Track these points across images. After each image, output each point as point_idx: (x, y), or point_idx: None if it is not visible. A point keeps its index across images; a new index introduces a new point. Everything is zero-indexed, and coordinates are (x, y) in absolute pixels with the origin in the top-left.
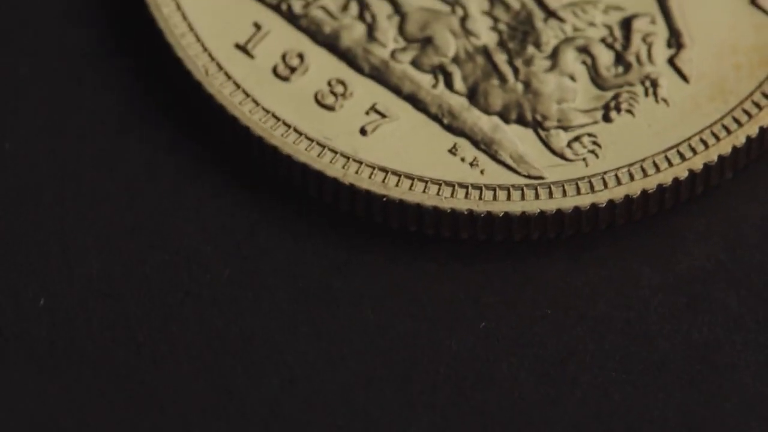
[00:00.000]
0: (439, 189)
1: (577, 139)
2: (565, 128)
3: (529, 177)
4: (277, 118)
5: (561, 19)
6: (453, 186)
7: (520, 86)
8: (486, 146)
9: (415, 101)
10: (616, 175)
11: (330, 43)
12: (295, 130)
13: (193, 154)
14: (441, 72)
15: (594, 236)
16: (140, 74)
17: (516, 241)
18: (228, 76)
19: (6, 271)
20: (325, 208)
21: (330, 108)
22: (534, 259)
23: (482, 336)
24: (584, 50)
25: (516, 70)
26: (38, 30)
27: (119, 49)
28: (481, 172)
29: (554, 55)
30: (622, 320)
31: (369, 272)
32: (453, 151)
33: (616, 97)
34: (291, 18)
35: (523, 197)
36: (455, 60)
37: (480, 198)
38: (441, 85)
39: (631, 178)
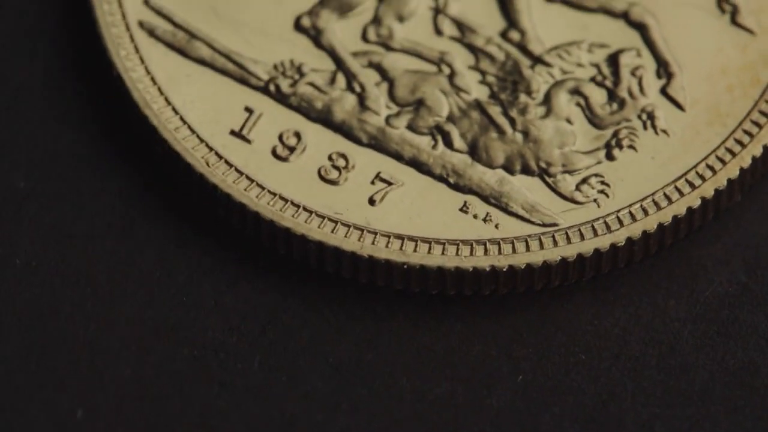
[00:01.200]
0: (457, 249)
1: (584, 181)
2: (571, 172)
3: (544, 225)
4: (285, 200)
5: (548, 64)
6: (471, 244)
7: (519, 136)
8: (496, 200)
9: (418, 165)
10: (630, 213)
11: (324, 118)
12: (305, 209)
13: (204, 245)
14: (438, 132)
15: (614, 275)
16: (139, 172)
17: (537, 290)
18: (229, 164)
19: (39, 387)
20: (345, 282)
21: (335, 182)
22: (559, 305)
23: (520, 389)
24: (576, 92)
25: (512, 121)
26: (31, 139)
27: (115, 150)
28: (496, 226)
29: (547, 101)
30: (656, 356)
31: (398, 340)
32: (464, 209)
33: (615, 134)
34: (281, 98)
35: (541, 246)
36: (450, 118)
37: (499, 253)
38: (440, 145)
39: (645, 213)
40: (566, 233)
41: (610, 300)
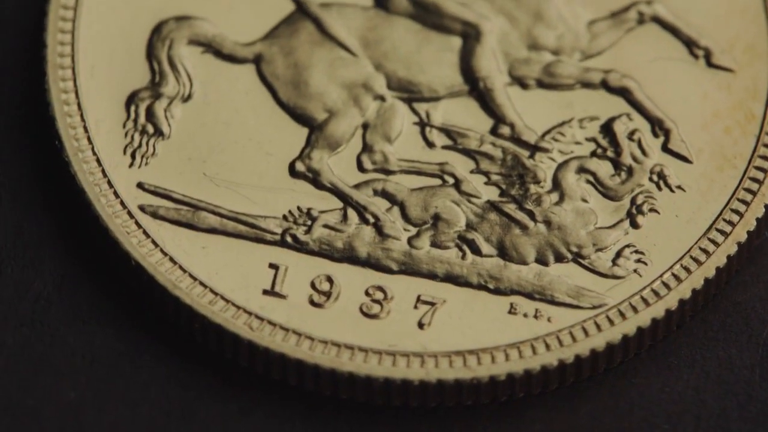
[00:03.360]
0: (519, 352)
1: (618, 255)
2: (602, 249)
3: (594, 307)
4: (338, 344)
5: (546, 150)
6: (530, 344)
7: (542, 227)
8: (540, 294)
9: (453, 279)
10: (673, 275)
11: (349, 256)
12: (360, 349)
13: (271, 411)
14: (463, 242)
15: (670, 339)
16: (186, 357)
17: (601, 372)
18: (273, 324)
19: None
20: (416, 410)
21: (379, 316)
22: (628, 382)
23: None
24: (582, 170)
25: (531, 214)
26: (66, 346)
27: (155, 341)
28: (548, 320)
29: (557, 186)
30: (736, 408)
31: None
32: (512, 311)
33: (633, 202)
34: (300, 247)
35: (599, 329)
36: (470, 226)
37: (561, 345)
38: (469, 254)
39: (688, 271)
40: (619, 310)
41: (675, 364)
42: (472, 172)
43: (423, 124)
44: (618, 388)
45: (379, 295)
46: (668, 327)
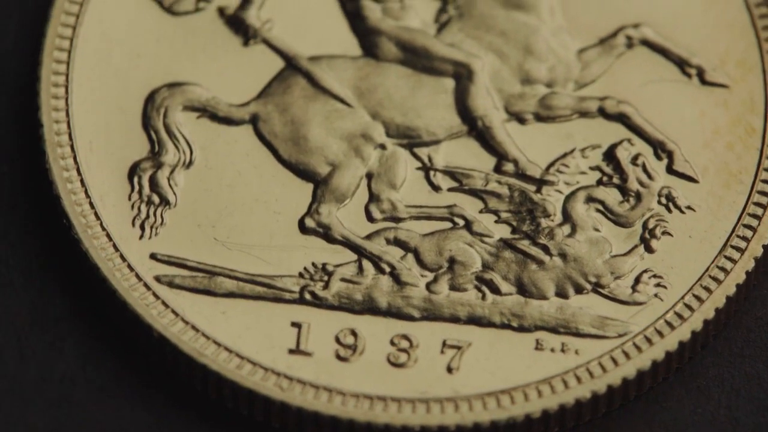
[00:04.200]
0: (552, 387)
1: (637, 281)
2: (620, 276)
3: (620, 336)
4: (369, 397)
5: (551, 183)
6: (561, 378)
7: (558, 260)
8: (565, 328)
9: (477, 320)
10: (694, 296)
11: (369, 307)
12: (392, 399)
13: None
14: (481, 282)
15: (696, 360)
16: (220, 426)
17: (632, 400)
18: (302, 382)
19: None
20: None
21: (407, 365)
22: (659, 407)
23: None
24: (590, 200)
25: (545, 248)
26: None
27: (191, 410)
28: (576, 352)
29: (567, 218)
30: None
31: None
32: (539, 347)
33: (645, 226)
34: (320, 303)
35: (627, 357)
36: (486, 266)
37: (592, 377)
38: (489, 294)
39: (709, 291)
40: (645, 336)
41: (704, 385)
42: (481, 211)
43: (426, 169)
44: (650, 414)
45: (404, 344)
46: (694, 348)
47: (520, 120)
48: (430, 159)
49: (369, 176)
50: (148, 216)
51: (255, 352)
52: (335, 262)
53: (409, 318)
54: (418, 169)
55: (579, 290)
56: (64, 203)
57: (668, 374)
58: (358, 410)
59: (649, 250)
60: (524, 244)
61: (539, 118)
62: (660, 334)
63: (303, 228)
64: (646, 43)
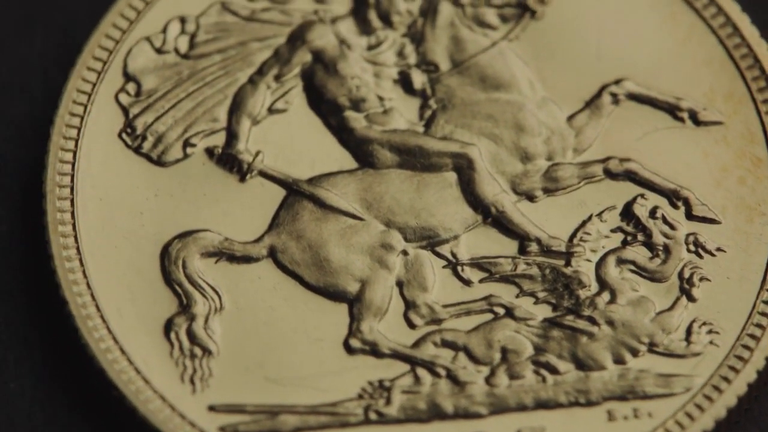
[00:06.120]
0: None
1: (689, 332)
2: (671, 332)
3: (687, 390)
4: None
5: (578, 254)
6: None
7: (607, 329)
8: (632, 393)
9: (544, 404)
10: (749, 335)
11: (436, 414)
12: None
13: None
14: (538, 366)
15: (763, 399)
16: None
17: None
18: None
19: None
20: None
21: None
22: None
23: None
24: (621, 262)
25: (591, 319)
26: None
27: None
28: (649, 415)
29: (603, 285)
30: None
31: None
32: (612, 418)
33: (681, 277)
34: (386, 420)
35: (701, 409)
36: (538, 348)
37: None
38: (548, 376)
39: (762, 328)
40: (712, 386)
41: None
42: (518, 296)
43: (453, 265)
44: None
45: None
46: (759, 388)
47: (530, 198)
48: (454, 255)
49: (399, 284)
50: (195, 370)
51: None
52: (390, 376)
53: (478, 416)
54: (445, 267)
55: (635, 353)
56: (109, 375)
57: (739, 419)
58: None
59: (691, 299)
60: (570, 320)
61: (548, 191)
62: (726, 380)
63: (349, 349)
64: (632, 97)
